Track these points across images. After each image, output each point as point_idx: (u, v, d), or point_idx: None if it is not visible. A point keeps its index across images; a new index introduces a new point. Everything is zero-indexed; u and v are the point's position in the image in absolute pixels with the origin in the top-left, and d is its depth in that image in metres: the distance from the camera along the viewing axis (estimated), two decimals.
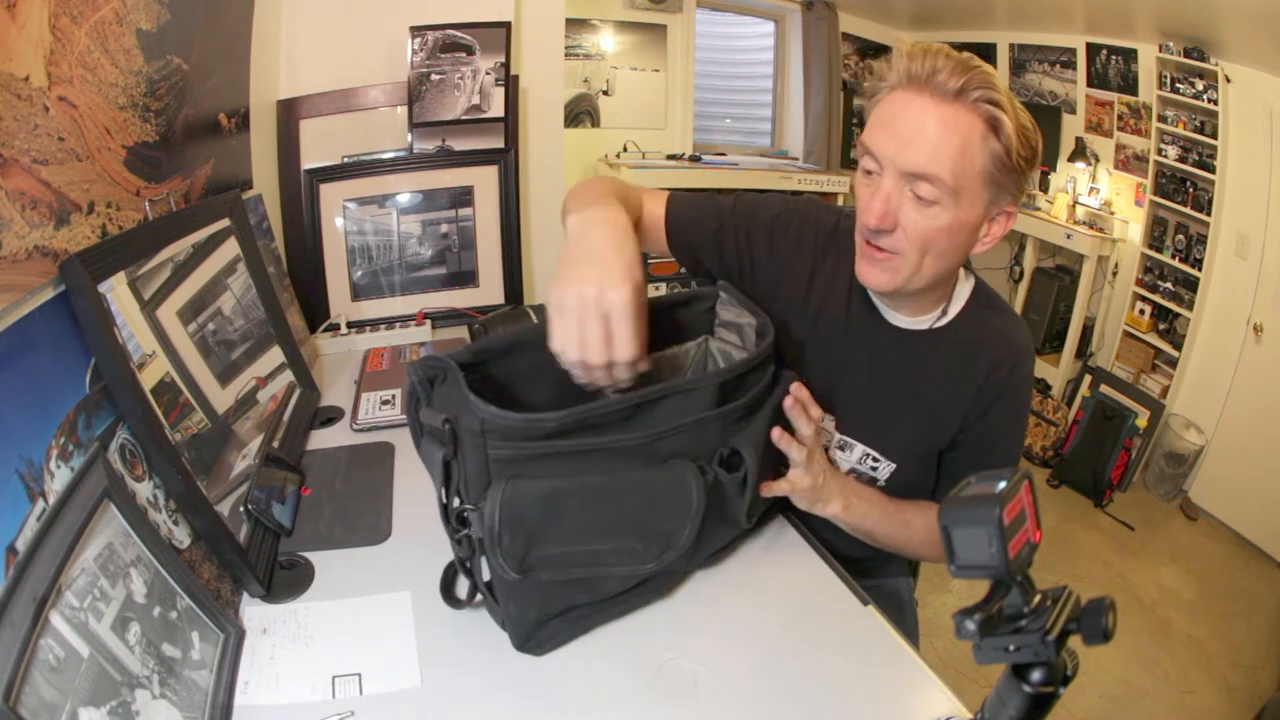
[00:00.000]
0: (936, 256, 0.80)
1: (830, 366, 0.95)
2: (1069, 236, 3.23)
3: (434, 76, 1.50)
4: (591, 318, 0.64)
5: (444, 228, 1.57)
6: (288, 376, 1.11)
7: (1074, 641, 0.46)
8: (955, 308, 0.92)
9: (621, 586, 0.73)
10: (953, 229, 0.78)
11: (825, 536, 0.91)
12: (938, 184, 0.75)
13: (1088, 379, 3.26)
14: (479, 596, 0.73)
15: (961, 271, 0.92)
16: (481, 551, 0.67)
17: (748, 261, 0.97)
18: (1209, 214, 2.80)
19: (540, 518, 0.63)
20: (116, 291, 0.71)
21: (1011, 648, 0.46)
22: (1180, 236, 2.96)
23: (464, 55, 1.50)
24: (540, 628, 0.70)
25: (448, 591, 0.75)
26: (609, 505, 0.66)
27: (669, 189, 1.01)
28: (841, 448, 0.97)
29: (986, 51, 3.81)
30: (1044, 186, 3.55)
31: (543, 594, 0.69)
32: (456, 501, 0.67)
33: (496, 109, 1.56)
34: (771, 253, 0.96)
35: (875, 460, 0.95)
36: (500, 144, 1.58)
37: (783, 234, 0.97)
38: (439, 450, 0.64)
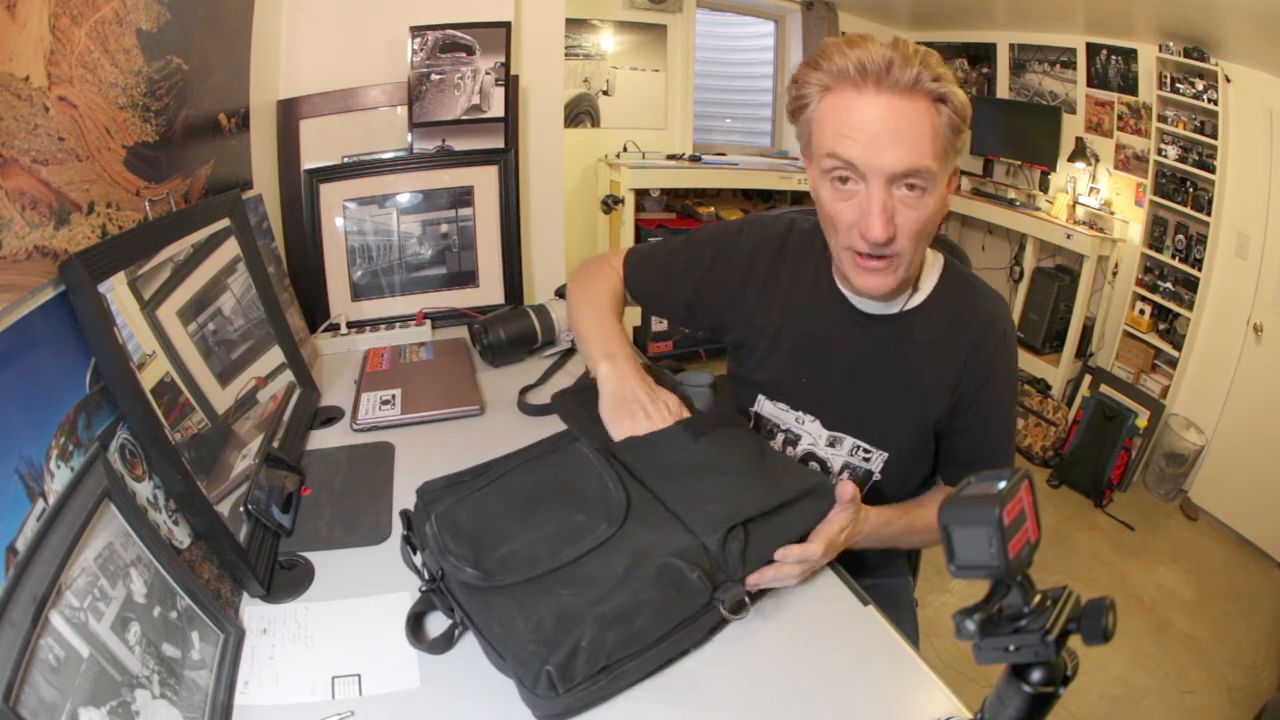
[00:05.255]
0: (925, 239, 0.84)
1: (807, 368, 0.97)
2: (1069, 236, 3.23)
3: (434, 76, 1.50)
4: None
5: (444, 228, 1.57)
6: (288, 376, 1.11)
7: (1074, 641, 0.46)
8: (927, 286, 0.93)
9: (661, 628, 0.67)
10: (937, 210, 0.81)
11: None
12: (925, 175, 0.77)
13: (1088, 379, 3.26)
14: (458, 631, 0.71)
15: (929, 249, 0.94)
16: (442, 579, 0.71)
17: (700, 305, 1.04)
18: (1209, 214, 2.80)
19: (473, 522, 0.74)
20: (116, 291, 0.71)
21: (1011, 648, 0.46)
22: (1180, 236, 2.96)
23: (464, 55, 1.50)
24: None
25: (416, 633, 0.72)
26: (527, 491, 0.78)
27: (624, 251, 1.11)
28: (831, 444, 0.97)
29: (986, 51, 3.82)
30: (1044, 186, 3.55)
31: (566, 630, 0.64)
32: (419, 562, 0.76)
33: (496, 109, 1.56)
34: (723, 291, 1.01)
35: (866, 451, 0.96)
36: (500, 144, 1.58)
37: (725, 269, 1.01)
38: (405, 546, 0.78)
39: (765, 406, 1.02)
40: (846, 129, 0.77)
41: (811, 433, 0.98)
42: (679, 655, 0.69)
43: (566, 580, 0.69)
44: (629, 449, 0.84)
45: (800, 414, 0.99)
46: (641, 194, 3.75)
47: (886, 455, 0.95)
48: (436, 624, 0.74)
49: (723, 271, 1.01)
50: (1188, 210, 2.89)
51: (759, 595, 0.76)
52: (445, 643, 0.70)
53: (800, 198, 3.79)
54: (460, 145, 1.57)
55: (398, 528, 0.88)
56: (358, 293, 1.53)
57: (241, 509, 0.81)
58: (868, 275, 0.84)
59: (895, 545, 0.93)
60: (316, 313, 1.48)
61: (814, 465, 0.99)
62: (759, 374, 1.01)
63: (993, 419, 0.94)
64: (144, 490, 0.67)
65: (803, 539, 0.77)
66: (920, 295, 0.92)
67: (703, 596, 0.68)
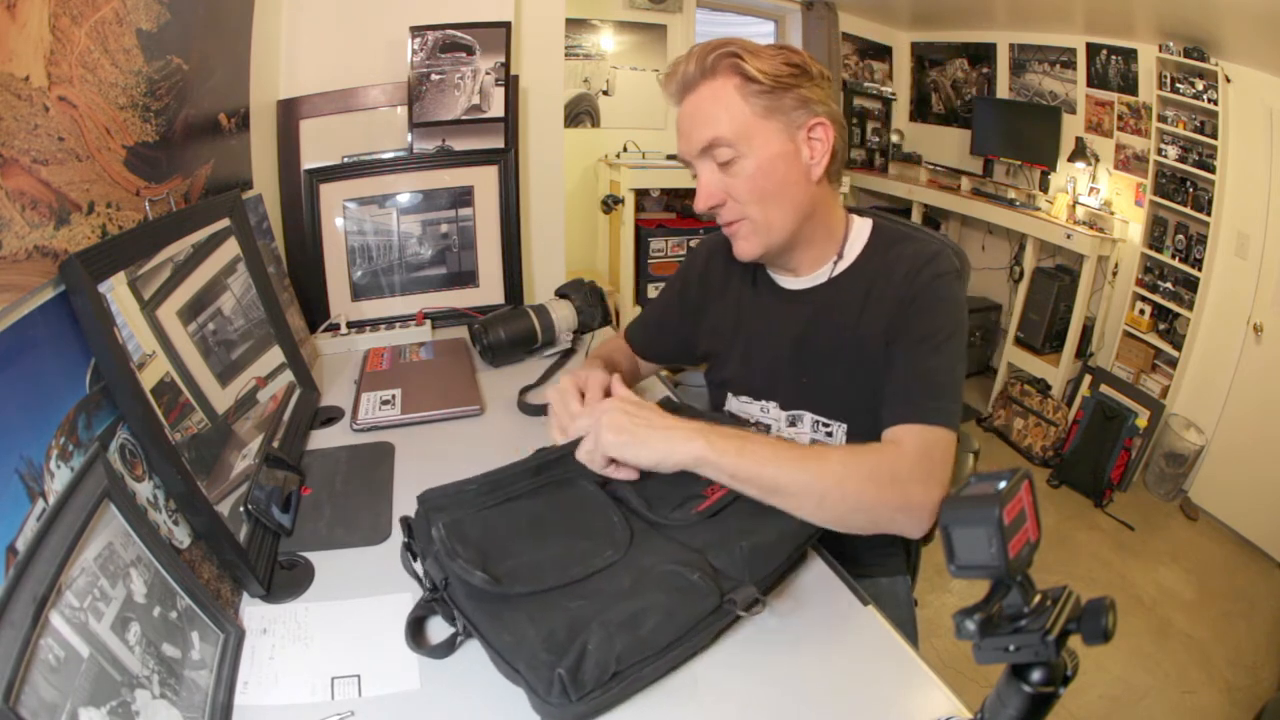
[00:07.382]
0: (776, 199, 0.88)
1: (757, 354, 1.01)
2: (1069, 236, 3.23)
3: (434, 76, 1.50)
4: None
5: (444, 228, 1.57)
6: (288, 376, 1.11)
7: (1074, 641, 0.46)
8: (853, 251, 0.95)
9: (671, 633, 0.66)
10: (765, 169, 0.86)
11: (825, 535, 0.90)
12: (722, 143, 0.85)
13: (1088, 379, 3.26)
14: (460, 639, 0.70)
15: (855, 218, 0.98)
16: (445, 588, 0.70)
17: (682, 338, 1.13)
18: (1209, 214, 2.80)
19: (482, 535, 0.73)
20: (116, 291, 0.71)
21: (1011, 648, 0.46)
22: (1180, 236, 2.96)
23: (464, 55, 1.50)
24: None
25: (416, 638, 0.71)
26: (533, 517, 0.77)
27: (624, 329, 1.23)
28: (792, 423, 0.99)
29: (986, 51, 3.82)
30: (1044, 186, 3.55)
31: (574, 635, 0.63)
32: (420, 570, 0.74)
33: (496, 109, 1.56)
34: (693, 314, 1.11)
35: (826, 424, 0.97)
36: (500, 144, 1.58)
37: (691, 293, 1.10)
38: (406, 552, 0.76)
39: (733, 404, 1.05)
40: (676, 134, 0.91)
41: (775, 418, 1.00)
42: (689, 658, 0.69)
43: (574, 595, 0.69)
44: (625, 485, 0.83)
45: (763, 403, 1.02)
46: (641, 194, 3.75)
47: (846, 426, 0.95)
48: (437, 628, 0.73)
49: (690, 296, 1.10)
50: (1188, 210, 2.89)
51: (773, 591, 0.77)
52: (447, 648, 0.70)
53: None
54: (460, 145, 1.57)
55: (398, 528, 0.88)
56: (358, 293, 1.53)
57: (241, 509, 0.81)
58: (733, 243, 0.94)
59: (776, 481, 0.77)
60: (316, 313, 1.48)
61: None
62: (723, 373, 1.06)
63: (915, 351, 0.84)
64: (144, 490, 0.67)
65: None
66: (845, 262, 0.95)
67: (710, 599, 0.68)
